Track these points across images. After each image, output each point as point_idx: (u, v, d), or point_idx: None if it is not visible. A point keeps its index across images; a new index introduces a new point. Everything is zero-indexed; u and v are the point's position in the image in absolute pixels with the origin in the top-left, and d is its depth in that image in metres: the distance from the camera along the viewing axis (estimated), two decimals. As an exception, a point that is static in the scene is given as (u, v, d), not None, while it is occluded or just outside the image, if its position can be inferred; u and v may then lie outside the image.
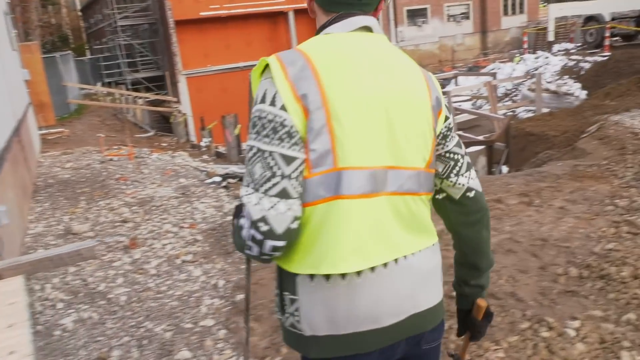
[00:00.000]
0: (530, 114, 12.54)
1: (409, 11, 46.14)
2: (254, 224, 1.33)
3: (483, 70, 23.85)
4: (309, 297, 1.41)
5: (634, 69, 16.93)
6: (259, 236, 1.33)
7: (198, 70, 26.24)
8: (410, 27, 46.75)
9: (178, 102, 23.42)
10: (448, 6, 48.28)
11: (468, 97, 13.64)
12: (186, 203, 6.59)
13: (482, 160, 8.10)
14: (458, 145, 1.57)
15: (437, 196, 1.61)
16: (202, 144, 14.76)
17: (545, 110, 12.30)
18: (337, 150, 1.33)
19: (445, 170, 1.57)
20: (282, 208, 1.32)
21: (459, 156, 1.57)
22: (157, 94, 25.04)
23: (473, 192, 1.59)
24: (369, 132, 1.37)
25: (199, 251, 5.06)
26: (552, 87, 12.80)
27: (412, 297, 1.49)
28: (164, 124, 26.47)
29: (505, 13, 51.66)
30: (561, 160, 7.86)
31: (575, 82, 16.47)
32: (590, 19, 22.29)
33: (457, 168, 1.57)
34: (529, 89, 11.69)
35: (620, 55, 18.04)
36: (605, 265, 3.86)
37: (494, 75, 14.40)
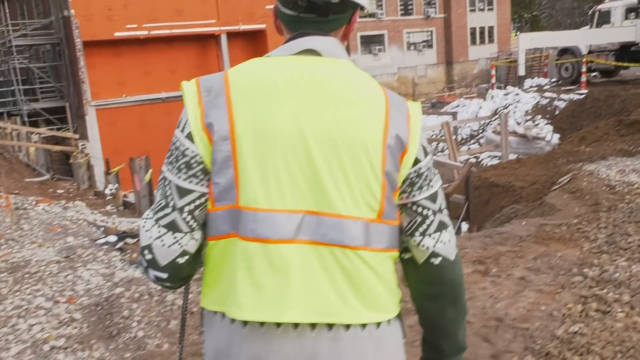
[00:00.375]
0: (495, 160, 12.71)
1: (363, 37, 46.92)
2: (141, 250, 1.45)
3: (447, 107, 24.28)
4: (210, 333, 1.50)
5: (613, 110, 17.53)
6: (144, 263, 1.46)
7: (111, 100, 25.80)
8: (365, 56, 47.49)
9: (79, 138, 22.78)
10: (408, 33, 49.39)
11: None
12: (69, 270, 6.24)
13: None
14: (431, 198, 1.54)
15: (403, 255, 1.58)
16: (108, 191, 14.35)
17: (512, 156, 12.48)
18: (239, 186, 1.39)
19: (410, 225, 1.54)
20: (169, 241, 1.42)
21: (429, 212, 1.53)
22: (53, 129, 24.40)
23: (439, 259, 1.54)
24: (281, 170, 1.40)
25: (74, 334, 4.72)
26: (521, 129, 13.03)
27: None
28: (67, 165, 25.86)
29: (473, 42, 53.17)
30: (528, 216, 7.88)
31: (547, 123, 16.89)
32: (565, 51, 23.12)
33: (425, 226, 1.53)
34: (494, 132, 11.83)
35: (598, 93, 18.69)
36: (567, 353, 3.74)
37: (453, 114, 14.58)
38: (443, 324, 1.62)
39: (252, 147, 1.39)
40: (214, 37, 27.57)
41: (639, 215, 6.31)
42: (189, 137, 1.40)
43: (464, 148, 15.15)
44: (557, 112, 19.30)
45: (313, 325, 1.42)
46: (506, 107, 20.48)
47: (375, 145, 1.44)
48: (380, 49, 48.05)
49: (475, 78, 52.48)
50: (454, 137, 11.03)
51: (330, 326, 1.42)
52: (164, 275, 1.45)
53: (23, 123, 24.48)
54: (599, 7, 23.06)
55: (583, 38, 22.09)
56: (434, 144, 16.87)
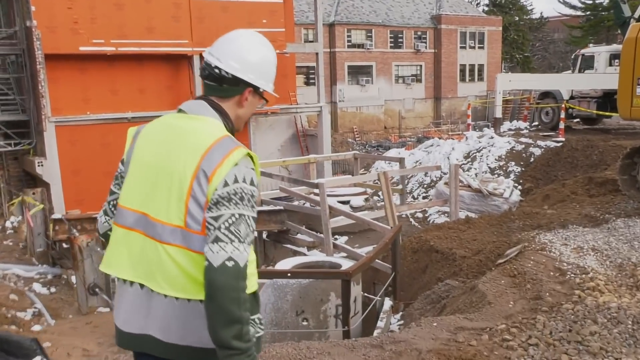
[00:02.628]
0: (444, 218, 10.96)
1: (350, 67, 45.45)
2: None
3: (421, 146, 22.63)
4: None
5: (590, 161, 15.91)
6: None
7: (73, 117, 24.04)
8: (352, 86, 46.01)
9: (38, 155, 21.07)
10: (397, 65, 48.00)
11: (361, 190, 11.94)
12: None
13: (333, 297, 6.17)
14: (214, 218, 2.18)
15: None
16: (9, 224, 12.55)
17: (462, 214, 10.75)
18: (122, 192, 2.43)
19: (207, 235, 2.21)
20: (101, 220, 2.60)
21: (212, 227, 2.18)
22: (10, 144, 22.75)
23: (207, 263, 2.16)
24: (141, 185, 2.35)
25: None
26: (475, 183, 11.30)
27: (158, 322, 2.31)
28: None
29: (463, 79, 51.75)
30: (454, 304, 6.17)
31: (515, 175, 15.23)
32: (546, 95, 21.57)
33: (210, 237, 2.18)
34: (446, 184, 10.12)
35: (576, 142, 17.03)
36: None
37: (400, 161, 12.82)
38: (206, 313, 2.16)
39: (131, 170, 2.38)
40: (186, 58, 26.01)
41: (583, 331, 4.58)
42: (122, 161, 2.47)
43: (412, 202, 13.43)
44: (532, 160, 17.68)
45: (142, 285, 2.33)
46: (479, 151, 18.88)
47: (187, 176, 2.24)
48: (368, 80, 46.64)
49: (463, 115, 50.97)
50: (389, 189, 9.27)
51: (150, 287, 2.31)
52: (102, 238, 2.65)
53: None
54: (583, 51, 21.52)
55: (564, 82, 20.53)
56: (374, 195, 14.93)
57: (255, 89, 2.51)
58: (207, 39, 25.50)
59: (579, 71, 20.83)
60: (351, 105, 45.85)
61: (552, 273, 6.18)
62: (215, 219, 2.17)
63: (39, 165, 22.97)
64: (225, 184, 2.19)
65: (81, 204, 23.00)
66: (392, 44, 47.33)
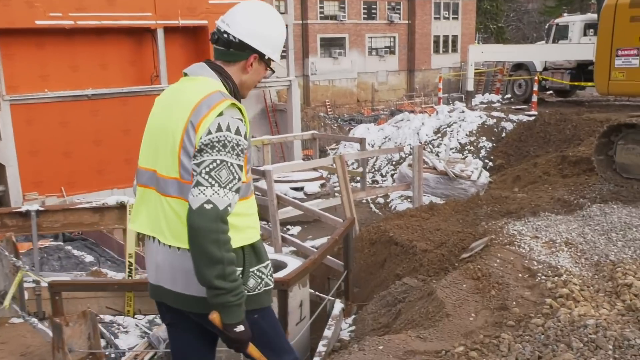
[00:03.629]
0: (407, 204, 10.07)
1: (323, 40, 44.17)
2: None
3: (391, 121, 21.74)
4: None
5: (563, 136, 15.18)
6: None
7: (30, 95, 22.74)
8: (325, 59, 44.82)
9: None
10: (370, 37, 46.83)
11: (317, 175, 10.91)
12: None
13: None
14: (197, 164, 2.35)
15: None
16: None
17: (427, 198, 9.89)
18: (139, 155, 2.66)
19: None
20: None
21: (195, 173, 2.35)
22: None
23: (188, 206, 2.31)
24: (150, 146, 2.60)
25: None
26: (441, 165, 10.43)
27: (166, 273, 2.57)
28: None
29: (437, 51, 50.74)
30: (409, 312, 5.35)
31: (475, 157, 14.36)
32: (519, 67, 20.76)
33: (193, 182, 2.34)
34: (409, 165, 9.24)
35: (549, 116, 16.26)
36: None
37: (361, 141, 11.83)
38: (192, 255, 2.30)
39: (145, 133, 2.64)
40: (149, 32, 24.74)
41: (556, 356, 3.77)
42: None
43: (373, 186, 12.50)
44: (503, 135, 16.91)
45: (153, 237, 2.59)
46: (450, 126, 18.06)
47: (179, 131, 2.42)
48: (341, 52, 45.48)
49: (437, 87, 50.08)
50: (346, 175, 8.36)
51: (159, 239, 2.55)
52: None
53: None
54: (557, 20, 20.64)
55: (538, 53, 19.67)
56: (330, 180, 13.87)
57: (261, 57, 2.68)
58: (171, 11, 24.33)
59: (553, 41, 20.05)
60: (324, 79, 44.74)
61: (520, 275, 5.36)
62: (198, 164, 2.33)
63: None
64: (209, 132, 2.35)
65: (39, 186, 21.94)
66: (365, 15, 46.16)
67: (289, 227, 9.87)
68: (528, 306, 4.69)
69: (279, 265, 6.45)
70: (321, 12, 44.17)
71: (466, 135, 17.16)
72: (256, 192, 10.06)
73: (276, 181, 8.80)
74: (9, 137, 21.95)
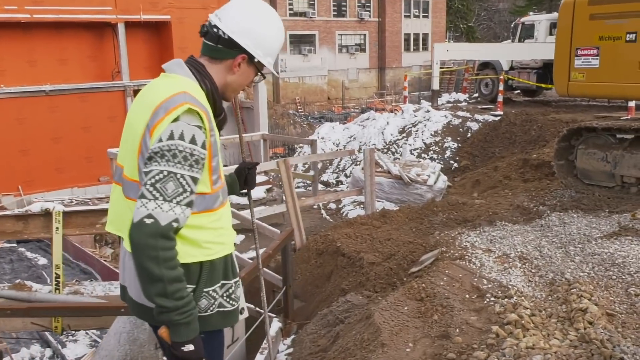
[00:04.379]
0: (360, 210, 9.51)
1: (292, 37, 43.46)
2: None
3: (357, 120, 21.26)
4: None
5: (529, 137, 14.79)
6: None
7: (-16, 90, 22.00)
8: (295, 56, 44.16)
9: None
10: (340, 35, 46.27)
11: (264, 179, 10.31)
12: None
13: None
14: (145, 174, 2.17)
15: None
16: None
17: (380, 205, 9.35)
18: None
19: None
20: None
21: (142, 183, 2.17)
22: None
23: (132, 217, 2.17)
24: (123, 143, 2.40)
25: None
26: (395, 169, 9.90)
27: (128, 276, 2.42)
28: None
29: (407, 49, 50.36)
30: (347, 338, 4.82)
31: (434, 160, 13.92)
32: (486, 65, 20.39)
33: (139, 193, 2.18)
34: (363, 169, 8.73)
35: (514, 116, 15.89)
36: None
37: (312, 143, 11.25)
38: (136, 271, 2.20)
39: (124, 129, 2.41)
40: (110, 26, 23.97)
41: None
42: None
43: (325, 190, 11.93)
44: (469, 135, 16.50)
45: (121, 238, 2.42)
46: (415, 125, 17.61)
47: (139, 133, 2.26)
48: (311, 49, 44.88)
49: (409, 85, 49.74)
50: (290, 180, 7.76)
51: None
52: None
53: None
54: (523, 19, 20.30)
55: (504, 52, 19.32)
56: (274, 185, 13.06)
57: (250, 58, 2.47)
58: (133, 5, 23.62)
59: (519, 40, 19.72)
60: (293, 76, 44.10)
61: (467, 295, 4.86)
62: (146, 174, 2.17)
63: None
64: (160, 140, 2.18)
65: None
66: (335, 13, 45.59)
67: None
68: (472, 334, 4.18)
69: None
70: (290, 9, 43.51)
71: (431, 135, 16.75)
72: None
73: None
74: (-39, 134, 21.17)
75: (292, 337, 5.92)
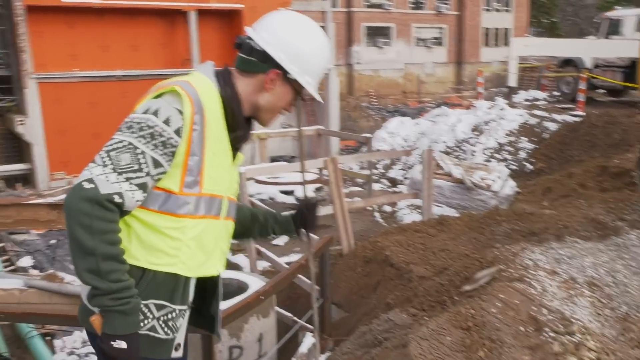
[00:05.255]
0: (417, 216, 8.77)
1: (368, 29, 42.73)
2: None
3: (428, 115, 20.47)
4: None
5: (611, 140, 13.70)
6: None
7: (58, 74, 22.31)
8: (370, 48, 43.40)
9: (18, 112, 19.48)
10: (418, 27, 45.17)
11: (314, 177, 9.66)
12: None
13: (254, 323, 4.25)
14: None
15: None
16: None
17: (439, 210, 8.60)
18: None
19: None
20: None
21: None
22: None
23: None
24: None
25: None
26: (457, 172, 9.11)
27: None
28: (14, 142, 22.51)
29: (486, 43, 48.74)
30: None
31: (507, 162, 13.00)
32: (568, 63, 19.18)
33: None
34: (422, 172, 8.05)
35: (596, 117, 14.77)
36: None
37: (367, 140, 10.53)
38: None
39: None
40: (181, 14, 24.01)
41: None
42: None
43: (380, 190, 11.19)
44: (545, 136, 15.48)
45: None
46: (487, 123, 16.70)
47: None
48: (386, 42, 44.05)
49: (487, 81, 48.08)
50: (339, 181, 7.15)
51: None
52: None
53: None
54: (609, 14, 18.98)
55: (587, 49, 18.10)
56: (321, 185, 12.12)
57: (285, 75, 2.19)
58: (204, -7, 23.63)
59: (605, 37, 18.38)
60: (368, 68, 43.36)
61: (522, 327, 4.16)
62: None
63: (19, 124, 21.48)
64: (134, 112, 2.04)
65: (67, 165, 21.71)
66: (412, 5, 44.52)
67: (273, 235, 8.76)
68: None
69: (240, 287, 5.40)
70: (366, 1, 42.78)
71: (505, 134, 15.80)
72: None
73: (264, 182, 7.76)
74: (37, 115, 21.64)
75: (327, 354, 5.36)
